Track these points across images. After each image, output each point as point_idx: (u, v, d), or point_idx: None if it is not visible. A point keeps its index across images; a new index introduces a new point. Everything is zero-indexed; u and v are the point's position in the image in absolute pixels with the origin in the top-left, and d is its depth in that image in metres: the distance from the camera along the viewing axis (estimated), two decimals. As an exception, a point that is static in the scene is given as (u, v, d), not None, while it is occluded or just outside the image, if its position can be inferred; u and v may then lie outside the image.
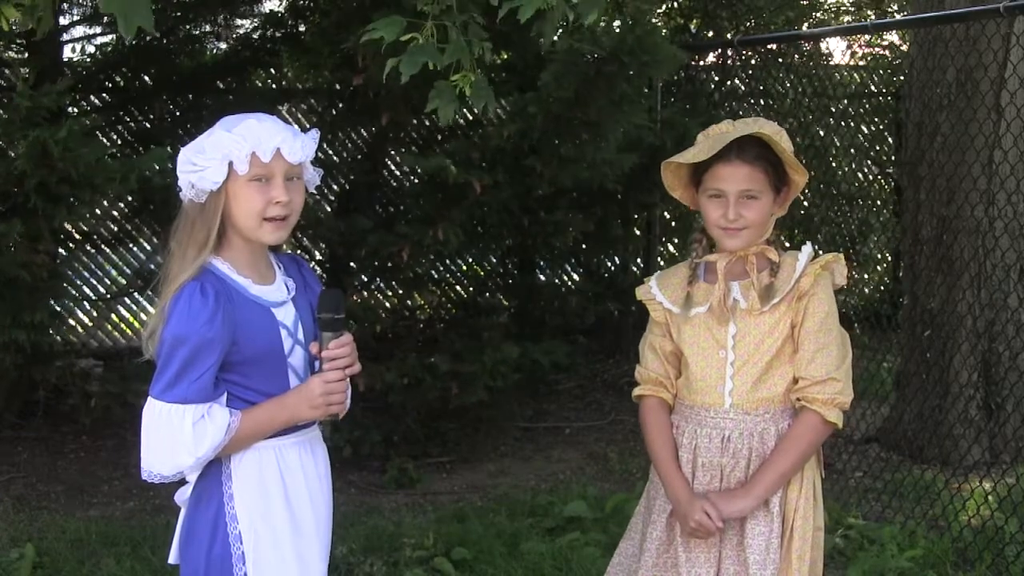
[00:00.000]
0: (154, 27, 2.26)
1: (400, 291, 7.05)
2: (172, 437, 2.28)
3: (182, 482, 2.45)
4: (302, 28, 6.66)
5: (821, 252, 2.69)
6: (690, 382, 2.67)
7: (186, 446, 2.28)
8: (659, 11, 8.37)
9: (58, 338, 6.98)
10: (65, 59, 6.72)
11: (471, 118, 6.58)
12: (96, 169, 4.87)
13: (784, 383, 2.61)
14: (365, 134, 7.51)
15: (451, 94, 2.75)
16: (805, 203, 7.94)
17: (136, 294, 7.64)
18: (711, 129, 2.66)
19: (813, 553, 2.64)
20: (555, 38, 2.79)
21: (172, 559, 2.50)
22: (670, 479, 2.65)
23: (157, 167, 5.30)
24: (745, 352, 2.61)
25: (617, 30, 5.67)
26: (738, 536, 2.61)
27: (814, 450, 2.64)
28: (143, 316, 7.90)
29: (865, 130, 9.32)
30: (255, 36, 6.80)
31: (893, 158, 9.02)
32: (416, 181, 7.13)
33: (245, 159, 2.32)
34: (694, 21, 8.54)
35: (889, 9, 10.19)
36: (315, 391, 2.39)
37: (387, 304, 7.29)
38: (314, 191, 2.54)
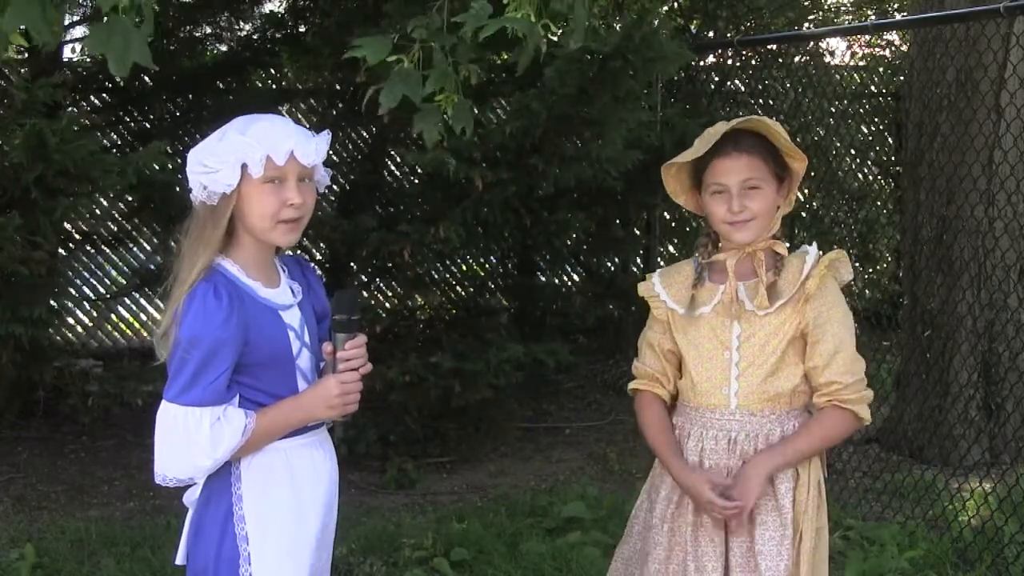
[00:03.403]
0: (152, 62, 2.21)
1: (400, 291, 7.05)
2: (189, 440, 2.28)
3: (190, 484, 2.45)
4: (302, 29, 6.67)
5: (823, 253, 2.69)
6: (694, 384, 2.66)
7: (204, 448, 2.28)
8: (660, 11, 8.36)
9: (57, 338, 6.98)
10: (65, 59, 6.72)
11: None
12: (93, 163, 4.86)
13: (790, 384, 2.61)
14: (365, 134, 7.52)
15: (436, 116, 2.75)
16: (806, 204, 7.94)
17: (136, 294, 7.64)
18: (706, 131, 2.66)
19: (818, 553, 2.64)
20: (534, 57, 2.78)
21: (179, 560, 2.50)
22: (671, 464, 2.65)
23: (157, 166, 5.30)
24: (750, 353, 2.61)
25: (618, 27, 5.66)
26: (747, 541, 2.60)
27: (839, 441, 2.65)
28: (143, 316, 7.91)
29: (865, 130, 9.31)
30: (255, 37, 6.81)
31: (893, 158, 9.02)
32: (416, 181, 7.13)
33: (260, 162, 2.32)
34: (694, 21, 8.53)
35: (889, 9, 10.19)
36: (332, 391, 2.40)
37: (387, 304, 7.30)
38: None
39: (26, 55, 6.36)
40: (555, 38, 2.88)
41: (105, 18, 2.17)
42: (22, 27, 2.14)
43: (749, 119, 2.60)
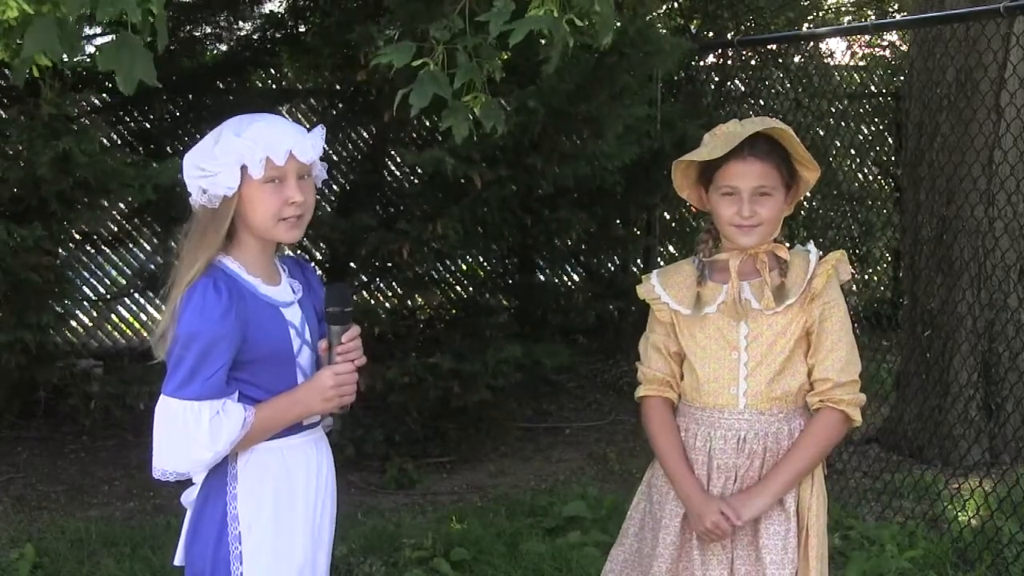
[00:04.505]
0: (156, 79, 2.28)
1: (400, 291, 7.05)
2: (188, 434, 2.28)
3: (188, 483, 2.45)
4: (302, 29, 6.67)
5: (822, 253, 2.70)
6: (700, 384, 2.64)
7: (203, 442, 2.28)
8: (659, 11, 8.36)
9: (58, 339, 6.98)
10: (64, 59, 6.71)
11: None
12: (113, 176, 4.91)
13: (797, 383, 2.61)
14: (365, 134, 7.52)
15: (465, 113, 2.77)
16: (806, 203, 7.94)
17: (136, 294, 7.64)
18: (718, 129, 2.65)
19: (825, 552, 2.64)
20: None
21: (178, 560, 2.50)
22: (682, 478, 2.63)
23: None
24: (759, 353, 2.60)
25: (617, 24, 5.67)
26: (750, 536, 2.60)
27: (832, 447, 2.65)
28: (143, 317, 7.91)
29: (865, 130, 9.31)
30: (255, 37, 6.80)
31: (893, 158, 9.02)
32: (416, 181, 7.14)
33: (259, 163, 2.32)
34: (694, 21, 8.53)
35: (889, 9, 10.19)
36: (327, 383, 2.40)
37: (387, 304, 7.30)
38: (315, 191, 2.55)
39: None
40: (577, 35, 2.87)
41: (113, 35, 2.22)
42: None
43: (772, 126, 2.58)
